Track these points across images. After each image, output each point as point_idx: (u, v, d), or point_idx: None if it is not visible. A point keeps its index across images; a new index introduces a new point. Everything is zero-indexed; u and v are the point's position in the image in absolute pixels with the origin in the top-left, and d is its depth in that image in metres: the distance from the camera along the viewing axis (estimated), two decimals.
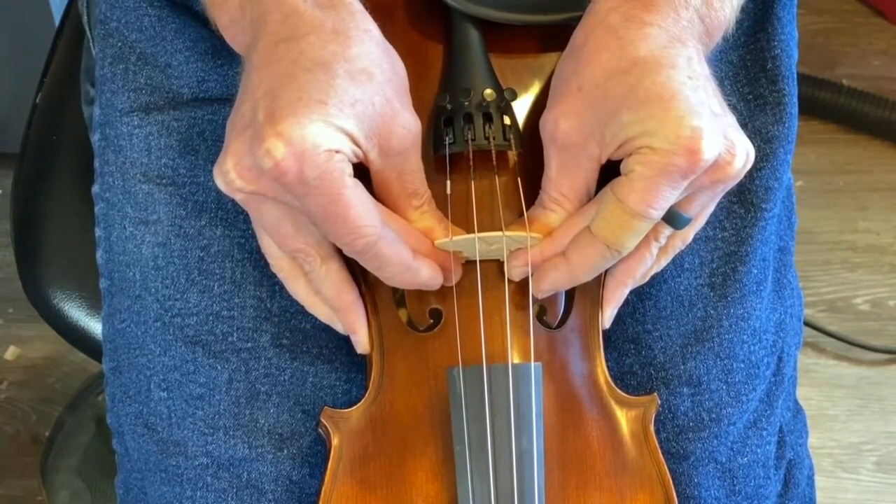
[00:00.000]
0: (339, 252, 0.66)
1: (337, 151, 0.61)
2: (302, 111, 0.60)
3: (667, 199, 0.63)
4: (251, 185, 0.62)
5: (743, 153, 0.64)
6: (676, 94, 0.62)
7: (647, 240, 0.68)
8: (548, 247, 0.68)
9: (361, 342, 0.69)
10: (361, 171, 0.64)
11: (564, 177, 0.67)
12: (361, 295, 0.70)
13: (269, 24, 0.64)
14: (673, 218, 0.66)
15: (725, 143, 0.63)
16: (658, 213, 0.64)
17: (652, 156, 0.62)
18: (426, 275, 0.67)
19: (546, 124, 0.67)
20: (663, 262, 0.72)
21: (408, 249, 0.66)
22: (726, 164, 0.63)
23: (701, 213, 0.69)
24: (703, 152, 0.61)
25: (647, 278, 0.72)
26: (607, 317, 0.71)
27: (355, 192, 0.62)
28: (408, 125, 0.64)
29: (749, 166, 0.65)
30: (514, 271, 0.69)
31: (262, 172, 0.61)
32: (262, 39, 0.64)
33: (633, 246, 0.66)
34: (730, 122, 0.64)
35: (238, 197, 0.64)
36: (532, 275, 0.69)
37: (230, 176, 0.62)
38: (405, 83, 0.66)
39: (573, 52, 0.67)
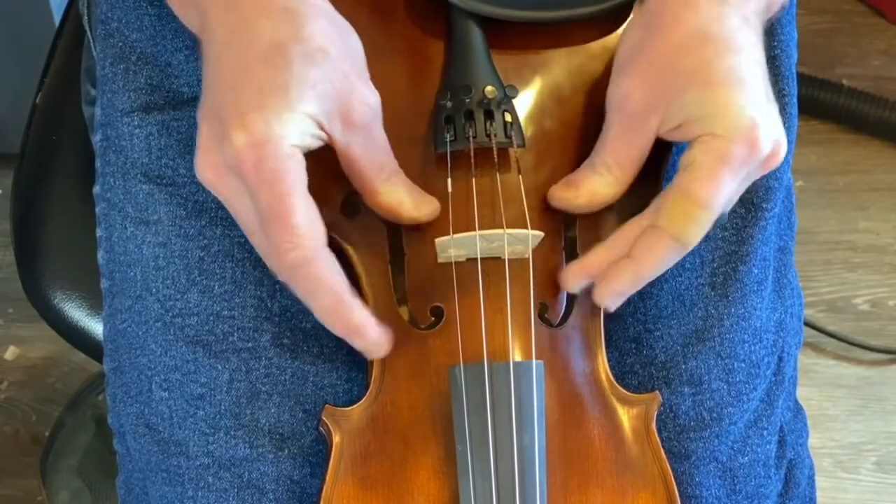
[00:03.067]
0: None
1: (298, 147, 0.61)
2: (265, 102, 0.60)
3: (729, 187, 0.64)
4: (218, 179, 0.62)
5: (785, 145, 0.65)
6: (741, 82, 0.64)
7: None
8: (603, 252, 0.68)
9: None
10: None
11: (622, 144, 0.68)
12: (362, 292, 0.70)
13: (216, 6, 0.64)
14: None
15: (777, 133, 0.64)
16: (721, 203, 0.64)
17: (713, 142, 0.63)
18: (358, 317, 0.64)
19: (615, 93, 0.68)
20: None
21: (347, 284, 0.64)
22: (774, 156, 0.65)
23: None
24: (761, 142, 0.63)
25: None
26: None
27: (304, 202, 0.61)
28: (366, 100, 0.64)
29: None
30: (570, 282, 0.69)
31: (227, 167, 0.61)
32: (211, 21, 0.64)
33: (698, 239, 0.66)
34: (776, 111, 0.66)
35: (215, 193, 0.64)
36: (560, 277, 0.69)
37: (199, 171, 0.63)
38: (360, 56, 0.66)
39: (647, 18, 0.68)
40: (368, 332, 0.65)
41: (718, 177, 0.63)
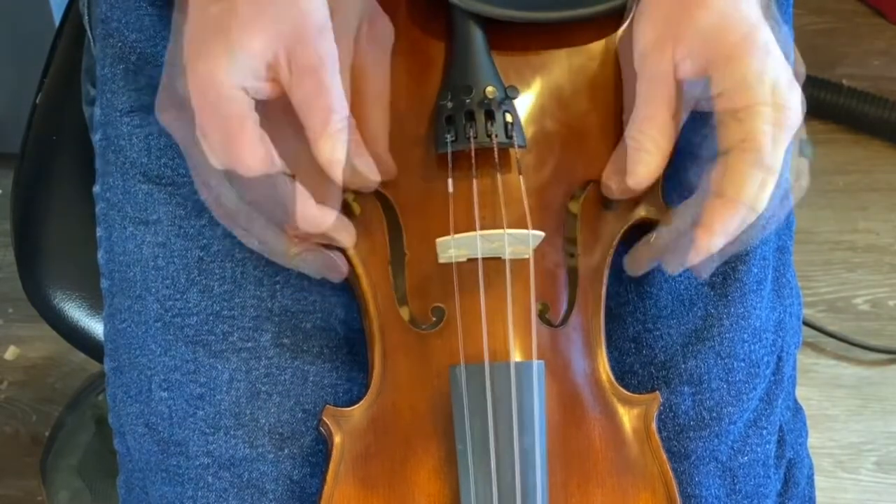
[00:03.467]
0: None
1: (243, 88, 0.63)
2: (208, 47, 0.63)
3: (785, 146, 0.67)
4: (170, 119, 0.66)
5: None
6: (768, 43, 0.67)
7: None
8: (670, 233, 0.70)
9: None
10: None
11: (656, 103, 0.69)
12: (362, 292, 0.70)
13: None
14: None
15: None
16: (780, 165, 0.66)
17: (767, 112, 0.65)
18: (331, 218, 0.67)
19: (635, 52, 0.69)
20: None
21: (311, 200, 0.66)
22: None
23: None
24: (799, 106, 0.66)
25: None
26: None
27: (254, 132, 0.64)
28: (315, 44, 0.64)
29: None
30: (642, 266, 0.71)
31: (179, 105, 0.64)
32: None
33: (766, 203, 0.67)
34: None
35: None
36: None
37: (157, 111, 0.66)
38: (320, 15, 0.66)
39: None
40: (347, 238, 0.69)
41: (781, 142, 0.66)
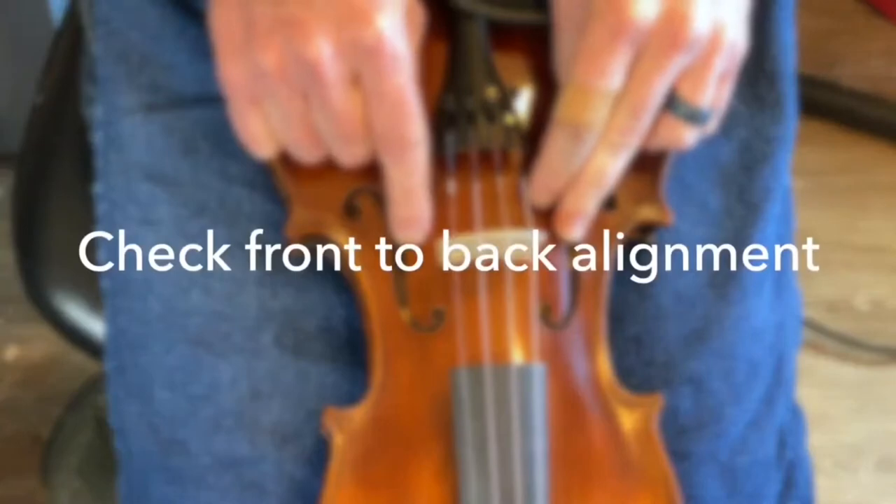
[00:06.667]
0: None
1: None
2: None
3: (618, 66, 0.64)
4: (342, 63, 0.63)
5: (728, 33, 0.64)
6: None
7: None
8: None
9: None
10: None
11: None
12: (363, 293, 0.70)
13: None
14: None
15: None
16: (615, 83, 0.64)
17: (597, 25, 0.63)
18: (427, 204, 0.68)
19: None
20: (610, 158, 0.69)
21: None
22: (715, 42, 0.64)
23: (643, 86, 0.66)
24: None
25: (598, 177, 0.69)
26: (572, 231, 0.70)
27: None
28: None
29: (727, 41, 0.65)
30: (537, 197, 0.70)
31: (359, 50, 0.62)
32: None
33: (593, 122, 0.65)
34: None
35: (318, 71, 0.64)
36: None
37: (259, 54, 0.64)
38: None
39: None
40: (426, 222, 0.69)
41: (617, 59, 0.63)
